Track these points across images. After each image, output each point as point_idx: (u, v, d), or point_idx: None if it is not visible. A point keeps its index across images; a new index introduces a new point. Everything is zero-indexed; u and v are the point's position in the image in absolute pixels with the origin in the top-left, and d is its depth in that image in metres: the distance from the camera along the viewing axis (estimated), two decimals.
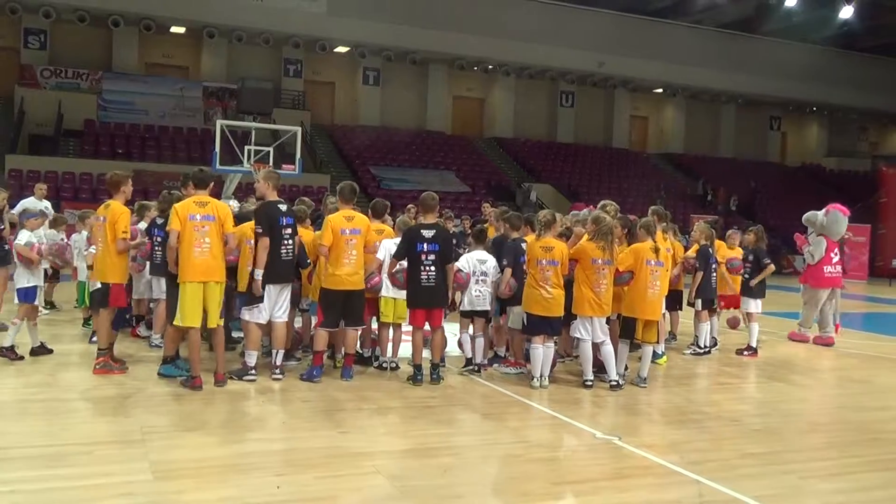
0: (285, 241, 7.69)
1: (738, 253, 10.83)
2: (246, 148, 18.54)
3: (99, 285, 8.35)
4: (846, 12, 32.63)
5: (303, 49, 32.58)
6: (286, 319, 7.89)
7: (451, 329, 8.56)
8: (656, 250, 8.08)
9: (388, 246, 8.24)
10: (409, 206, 13.32)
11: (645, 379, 8.23)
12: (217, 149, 18.25)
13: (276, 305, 7.73)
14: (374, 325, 8.72)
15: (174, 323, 7.35)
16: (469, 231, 10.75)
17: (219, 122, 18.82)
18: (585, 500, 5.04)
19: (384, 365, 8.49)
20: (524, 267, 8.31)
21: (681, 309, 10.60)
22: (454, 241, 8.93)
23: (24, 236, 8.38)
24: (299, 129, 20.18)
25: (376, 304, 8.40)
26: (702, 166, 38.69)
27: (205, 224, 7.24)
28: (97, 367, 7.71)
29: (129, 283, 8.54)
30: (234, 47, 31.62)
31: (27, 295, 8.23)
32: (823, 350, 11.36)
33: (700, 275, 10.10)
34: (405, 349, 8.42)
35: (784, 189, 37.14)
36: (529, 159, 35.57)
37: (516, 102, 37.32)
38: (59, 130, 27.74)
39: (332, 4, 30.47)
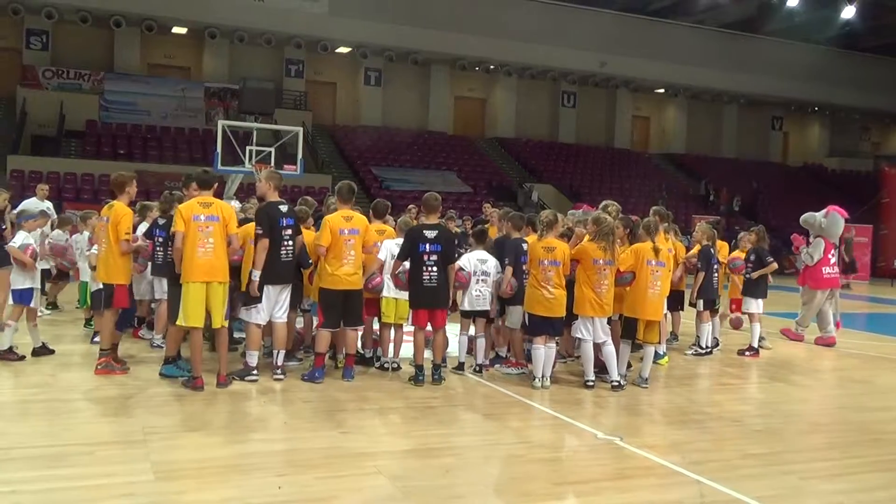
0: (285, 242, 7.69)
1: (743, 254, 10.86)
2: (247, 148, 18.55)
3: (100, 286, 8.38)
4: (848, 12, 32.60)
5: (304, 49, 32.61)
6: (286, 320, 7.89)
7: (453, 329, 8.56)
8: (657, 251, 8.07)
9: (390, 246, 8.25)
10: (411, 206, 13.32)
11: (646, 379, 8.23)
12: (219, 149, 18.25)
13: (275, 306, 7.73)
14: (376, 326, 8.73)
15: (177, 323, 7.36)
16: (470, 231, 10.75)
17: (220, 123, 18.81)
18: (587, 501, 5.04)
19: (385, 365, 8.49)
20: (524, 267, 8.33)
21: (682, 309, 10.60)
22: (456, 242, 8.92)
23: (19, 238, 8.35)
24: (301, 129, 20.17)
25: (378, 305, 8.40)
26: (703, 166, 38.67)
27: (209, 224, 7.24)
28: (99, 367, 7.72)
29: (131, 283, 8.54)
30: (235, 48, 31.65)
31: (22, 296, 8.20)
32: (824, 350, 11.35)
33: (702, 275, 10.10)
34: (406, 350, 8.43)
35: (786, 189, 37.12)
36: (531, 160, 35.57)
37: (518, 103, 37.33)
38: (60, 131, 27.77)
39: (334, 5, 30.49)
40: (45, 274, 11.04)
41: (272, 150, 18.98)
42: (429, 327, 8.01)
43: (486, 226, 10.08)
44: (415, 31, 31.79)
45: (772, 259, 10.72)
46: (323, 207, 10.28)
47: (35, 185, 15.09)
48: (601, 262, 7.83)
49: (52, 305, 11.83)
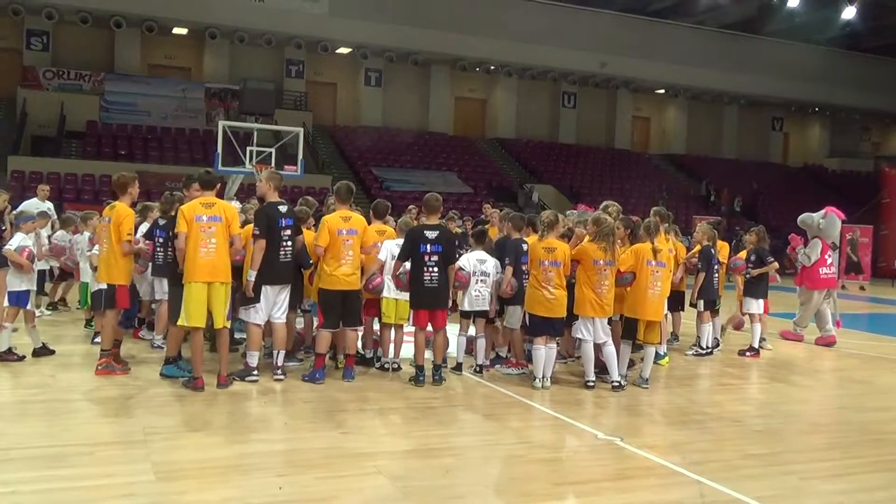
0: (284, 243, 7.68)
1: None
2: (248, 149, 18.56)
3: (100, 286, 8.39)
4: (849, 13, 32.60)
5: (305, 50, 32.62)
6: (285, 320, 7.88)
7: (453, 330, 8.56)
8: (656, 251, 8.07)
9: (390, 247, 8.25)
10: (411, 206, 13.32)
11: (647, 380, 8.22)
12: (219, 150, 18.26)
13: (274, 306, 7.73)
14: (376, 326, 8.73)
15: (178, 323, 7.36)
16: (470, 232, 10.75)
17: (221, 123, 18.82)
18: (587, 501, 5.04)
19: (386, 366, 8.49)
20: (523, 267, 8.33)
21: (683, 310, 10.60)
22: (456, 242, 8.92)
23: (16, 240, 8.33)
24: (301, 129, 20.18)
25: (378, 305, 8.40)
26: (704, 167, 38.68)
27: (211, 225, 7.24)
28: (99, 367, 7.72)
29: (133, 284, 8.55)
30: (235, 48, 31.67)
31: (18, 298, 8.18)
32: (824, 351, 11.35)
33: (702, 276, 10.10)
34: (407, 350, 8.43)
35: (786, 190, 37.14)
36: (531, 160, 35.58)
37: (518, 103, 37.34)
38: (61, 132, 27.78)
39: (334, 5, 30.50)
40: (43, 275, 11.04)
41: (273, 150, 18.99)
42: (429, 328, 8.01)
43: (485, 226, 10.08)
44: (415, 31, 31.81)
45: (772, 259, 10.72)
46: (324, 208, 10.28)
47: (35, 186, 15.11)
48: (601, 262, 7.83)
49: (53, 306, 11.84)
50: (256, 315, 7.66)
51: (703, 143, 41.02)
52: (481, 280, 8.38)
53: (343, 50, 32.97)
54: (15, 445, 5.57)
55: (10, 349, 8.18)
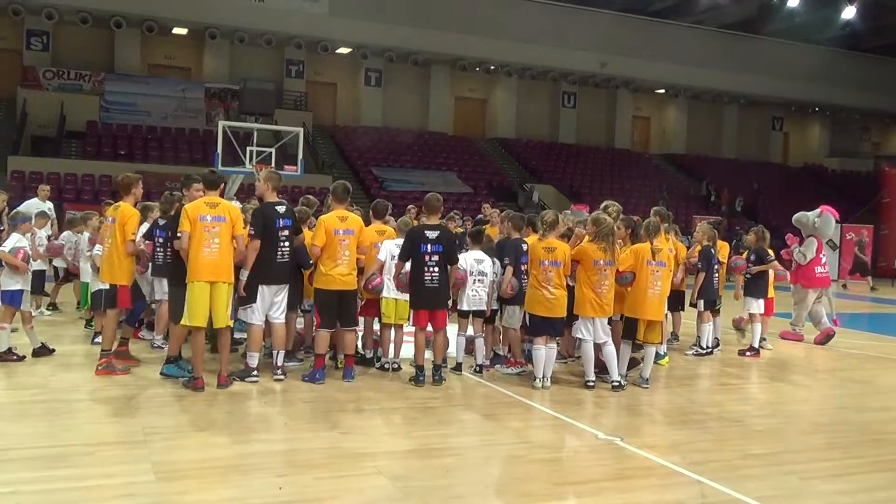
0: (281, 243, 7.66)
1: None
2: (248, 149, 18.56)
3: (102, 286, 8.40)
4: (849, 13, 32.61)
5: (304, 50, 32.64)
6: (284, 320, 7.86)
7: (453, 330, 8.56)
8: (655, 251, 8.06)
9: (389, 247, 8.24)
10: (410, 206, 13.32)
11: (647, 379, 8.22)
12: (219, 150, 18.26)
13: (272, 307, 7.72)
14: (376, 326, 8.72)
15: (181, 323, 7.36)
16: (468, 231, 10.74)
17: (221, 123, 18.83)
18: (587, 501, 5.03)
19: (386, 366, 8.49)
20: (523, 267, 8.33)
21: (683, 310, 10.60)
22: (457, 242, 8.91)
23: (10, 241, 8.31)
24: (301, 129, 20.19)
25: (378, 305, 8.40)
26: (704, 167, 38.69)
27: (215, 225, 7.24)
28: (99, 367, 7.72)
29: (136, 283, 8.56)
30: (235, 48, 31.68)
31: (12, 298, 8.16)
32: (825, 350, 11.34)
33: (702, 276, 10.10)
34: (407, 350, 8.42)
35: (786, 190, 37.13)
36: (531, 160, 35.59)
37: (518, 103, 37.36)
38: (61, 132, 27.79)
39: (334, 5, 30.51)
40: (42, 275, 10.99)
41: (273, 150, 19.00)
42: (429, 328, 8.00)
43: (482, 226, 10.07)
44: (415, 31, 31.82)
45: (772, 258, 10.73)
46: (324, 207, 10.27)
47: (35, 186, 15.11)
48: (601, 262, 7.83)
49: (53, 306, 11.83)
50: (253, 315, 7.65)
51: (703, 142, 41.03)
52: (479, 280, 8.36)
53: (343, 50, 32.98)
54: (15, 445, 5.57)
55: (9, 349, 8.18)
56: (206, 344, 7.87)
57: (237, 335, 8.96)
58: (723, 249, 10.80)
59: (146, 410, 6.61)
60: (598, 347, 7.98)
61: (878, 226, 27.86)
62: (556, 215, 8.37)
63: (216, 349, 7.90)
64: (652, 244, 8.10)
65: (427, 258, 7.78)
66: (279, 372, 7.75)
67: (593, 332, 7.89)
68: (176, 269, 7.67)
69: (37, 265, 9.54)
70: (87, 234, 10.23)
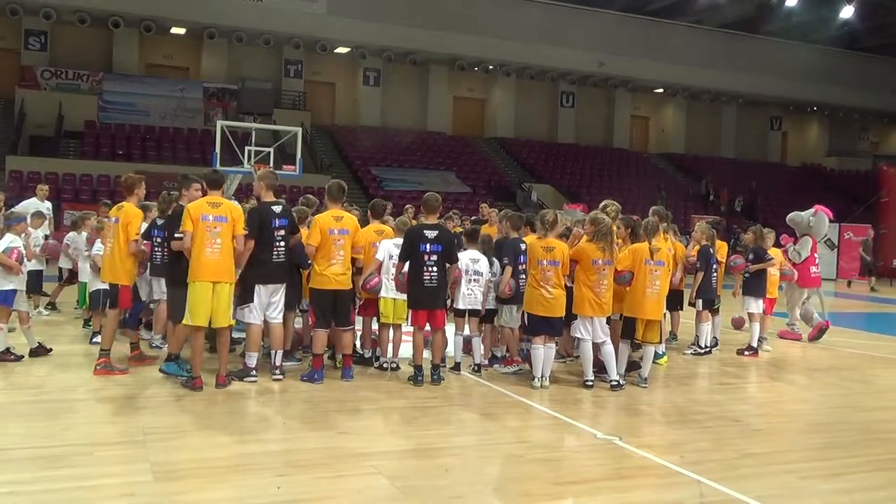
0: (277, 243, 7.65)
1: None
2: (246, 149, 18.57)
3: (100, 286, 8.39)
4: (847, 12, 32.62)
5: (303, 50, 32.63)
6: (281, 320, 7.85)
7: (452, 330, 8.56)
8: (653, 250, 8.06)
9: (388, 246, 8.23)
10: (408, 206, 13.31)
11: (645, 379, 8.22)
12: (217, 149, 18.27)
13: (269, 307, 7.71)
14: (375, 326, 8.72)
15: (183, 322, 7.34)
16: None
17: (219, 123, 18.84)
18: (586, 501, 5.03)
19: (384, 365, 8.48)
20: (520, 266, 8.32)
21: (681, 309, 10.60)
22: (455, 242, 8.90)
23: (4, 241, 8.28)
24: (300, 129, 20.22)
25: (376, 305, 8.40)
26: (702, 166, 38.72)
27: (217, 225, 7.23)
28: (98, 367, 7.71)
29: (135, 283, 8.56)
30: (234, 48, 31.67)
31: (5, 298, 8.12)
32: (823, 350, 11.35)
33: (701, 275, 10.10)
34: (406, 350, 8.42)
35: (785, 189, 37.16)
36: (530, 160, 35.60)
37: (517, 103, 37.37)
38: (59, 132, 27.78)
39: (332, 5, 30.52)
40: (40, 275, 10.95)
41: (271, 150, 19.01)
42: (427, 327, 8.00)
43: (477, 226, 10.07)
44: (413, 31, 31.83)
45: (771, 257, 10.73)
46: (324, 208, 10.26)
47: (33, 186, 15.11)
48: (600, 262, 7.83)
49: (52, 306, 11.80)
50: (250, 315, 7.65)
51: (702, 142, 41.06)
52: (474, 280, 8.35)
53: (341, 50, 32.98)
54: (14, 446, 5.57)
55: (7, 349, 8.17)
56: (205, 343, 7.86)
57: (235, 335, 8.94)
58: (721, 249, 10.80)
59: (145, 410, 6.61)
60: (596, 347, 7.98)
61: (876, 225, 27.86)
62: (556, 215, 8.36)
63: (215, 349, 7.89)
64: (650, 244, 8.10)
65: (426, 258, 7.78)
66: (278, 372, 7.74)
67: (592, 331, 7.89)
68: (173, 269, 7.68)
69: (32, 265, 9.50)
70: (85, 234, 10.22)
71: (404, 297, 8.10)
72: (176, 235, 7.47)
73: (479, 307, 8.39)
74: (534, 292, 7.89)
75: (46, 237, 11.24)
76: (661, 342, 8.89)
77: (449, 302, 8.40)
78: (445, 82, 36.12)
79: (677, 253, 9.80)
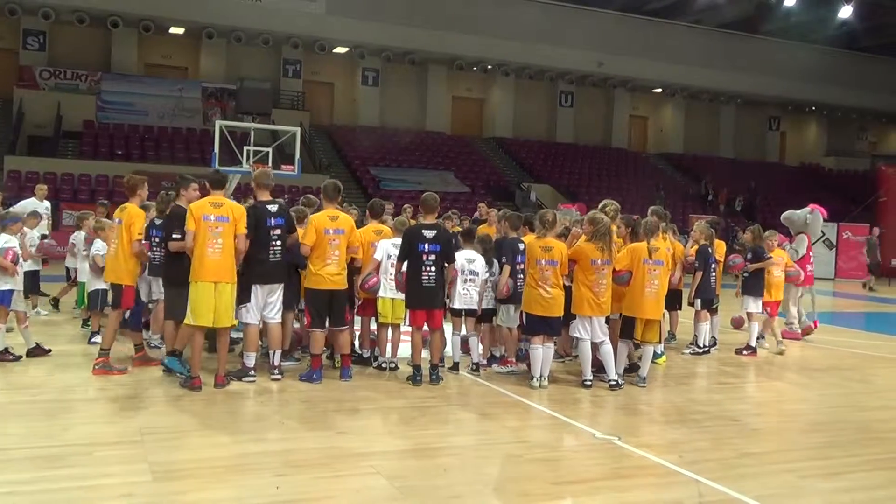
0: (273, 242, 7.64)
1: (779, 254, 10.89)
2: (245, 148, 18.55)
3: (99, 286, 8.38)
4: (845, 12, 32.65)
5: (302, 49, 32.61)
6: (279, 320, 7.84)
7: (450, 330, 8.56)
8: (652, 250, 8.06)
9: (386, 246, 8.22)
10: (406, 206, 13.31)
11: (644, 378, 8.22)
12: (216, 149, 18.26)
13: (266, 306, 7.70)
14: (373, 326, 8.71)
15: (185, 322, 7.34)
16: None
17: (218, 123, 18.83)
18: (585, 500, 5.03)
19: (383, 365, 8.48)
20: (518, 266, 8.31)
21: (680, 308, 10.60)
22: (454, 242, 8.89)
23: (0, 242, 8.30)
24: (298, 129, 20.19)
25: (374, 305, 8.39)
26: (701, 166, 38.73)
27: (219, 225, 7.23)
28: (97, 367, 7.71)
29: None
30: (232, 48, 31.65)
31: (2, 298, 8.10)
32: (822, 349, 11.35)
33: (699, 275, 10.11)
34: (405, 349, 8.41)
35: (783, 189, 37.17)
36: (529, 159, 35.59)
37: (515, 103, 37.37)
38: (58, 131, 27.75)
39: (331, 5, 30.50)
40: (36, 274, 10.92)
41: (270, 150, 19.00)
42: (426, 327, 7.99)
43: (473, 226, 10.06)
44: (412, 30, 31.81)
45: (770, 256, 10.73)
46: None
47: (32, 186, 15.09)
48: (599, 262, 7.83)
49: (56, 301, 11.76)
50: (248, 314, 7.64)
51: (700, 142, 41.07)
52: (469, 280, 8.33)
53: (340, 49, 32.96)
54: (13, 446, 5.57)
55: (6, 349, 8.17)
56: (205, 343, 7.85)
57: (233, 334, 8.94)
58: (720, 248, 10.81)
59: (144, 410, 6.61)
60: (595, 346, 7.98)
61: (874, 225, 27.87)
62: (555, 214, 8.37)
63: (214, 348, 7.89)
64: (648, 243, 8.10)
65: (424, 258, 7.77)
66: (276, 372, 7.74)
67: (591, 331, 7.89)
68: (170, 269, 7.68)
69: (28, 265, 9.49)
70: (83, 234, 10.21)
71: (402, 296, 8.10)
72: (174, 236, 7.47)
73: (476, 307, 8.38)
74: (532, 292, 7.89)
75: (45, 237, 11.22)
76: (660, 342, 8.90)
77: (446, 301, 8.38)
78: (444, 82, 36.10)
79: (676, 252, 9.80)
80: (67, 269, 11.41)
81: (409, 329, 8.03)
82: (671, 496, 5.09)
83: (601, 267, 7.85)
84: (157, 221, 8.57)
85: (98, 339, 8.88)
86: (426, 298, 7.82)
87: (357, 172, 30.55)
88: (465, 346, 8.68)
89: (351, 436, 6.12)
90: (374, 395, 7.43)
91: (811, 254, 12.14)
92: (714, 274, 10.31)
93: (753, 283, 10.59)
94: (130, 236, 7.76)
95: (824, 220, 12.91)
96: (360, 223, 8.84)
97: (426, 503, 4.82)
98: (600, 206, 8.76)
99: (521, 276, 8.30)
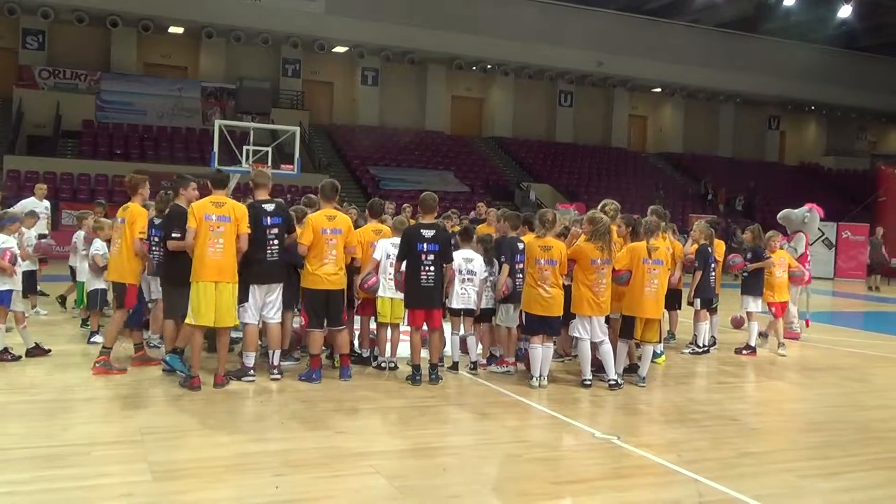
0: (270, 242, 7.63)
1: (781, 255, 10.89)
2: (244, 148, 18.55)
3: (98, 285, 8.37)
4: (845, 12, 32.65)
5: (301, 49, 32.60)
6: (278, 320, 7.83)
7: (450, 329, 8.55)
8: (651, 249, 8.06)
9: (385, 246, 8.22)
10: (405, 205, 13.31)
11: (644, 378, 8.22)
12: (215, 149, 18.26)
13: (265, 306, 7.69)
14: (373, 326, 8.71)
15: (186, 322, 7.33)
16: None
17: (217, 123, 18.83)
18: (584, 500, 5.03)
19: (382, 365, 8.48)
20: (517, 266, 8.31)
21: (680, 308, 10.60)
22: (453, 241, 8.89)
23: None
24: (298, 129, 20.18)
25: (374, 305, 8.39)
26: (700, 166, 38.74)
27: (220, 224, 7.23)
28: (97, 365, 7.71)
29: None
30: (232, 47, 31.64)
31: (2, 298, 8.10)
32: (822, 349, 11.35)
33: (699, 274, 10.11)
34: (404, 349, 8.41)
35: (782, 188, 37.17)
36: (528, 159, 35.59)
37: (515, 102, 37.37)
38: (57, 131, 27.75)
39: (330, 4, 30.50)
40: (34, 274, 10.90)
41: (269, 149, 18.99)
42: (425, 327, 7.99)
43: (471, 225, 10.06)
44: (411, 30, 31.81)
45: (769, 256, 10.73)
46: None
47: (31, 186, 15.08)
48: (598, 261, 7.83)
49: (62, 299, 11.74)
50: (246, 314, 7.64)
51: (700, 141, 41.08)
52: (467, 279, 8.33)
53: (339, 49, 32.95)
54: (12, 445, 5.56)
55: (5, 349, 8.17)
56: (204, 343, 7.85)
57: (233, 334, 8.94)
58: (719, 248, 10.81)
59: (143, 410, 6.61)
60: (594, 346, 7.98)
61: (877, 224, 27.88)
62: (555, 214, 8.37)
63: (213, 348, 7.89)
64: (648, 243, 8.10)
65: (423, 257, 7.77)
66: (276, 371, 7.74)
67: (590, 330, 7.89)
68: (169, 269, 7.69)
69: (26, 265, 9.48)
70: (82, 233, 10.21)
71: (402, 296, 8.09)
72: (173, 235, 7.47)
73: (474, 307, 8.38)
74: (531, 292, 7.89)
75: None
76: (659, 341, 8.90)
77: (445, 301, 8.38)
78: (444, 82, 36.10)
79: (675, 252, 9.80)
80: (71, 267, 11.40)
81: (409, 329, 8.03)
82: (670, 496, 5.09)
83: (601, 266, 7.85)
84: (157, 221, 8.58)
85: (97, 338, 8.90)
86: (425, 298, 7.82)
87: (356, 172, 30.55)
88: (464, 346, 8.68)
89: (350, 435, 6.12)
90: (374, 395, 7.43)
91: (808, 253, 12.15)
92: (714, 273, 10.31)
93: (753, 283, 10.59)
94: (133, 235, 7.76)
95: (821, 220, 12.95)
96: (357, 223, 8.82)
97: (425, 503, 4.82)
98: (600, 205, 8.76)
99: (521, 275, 8.29)
